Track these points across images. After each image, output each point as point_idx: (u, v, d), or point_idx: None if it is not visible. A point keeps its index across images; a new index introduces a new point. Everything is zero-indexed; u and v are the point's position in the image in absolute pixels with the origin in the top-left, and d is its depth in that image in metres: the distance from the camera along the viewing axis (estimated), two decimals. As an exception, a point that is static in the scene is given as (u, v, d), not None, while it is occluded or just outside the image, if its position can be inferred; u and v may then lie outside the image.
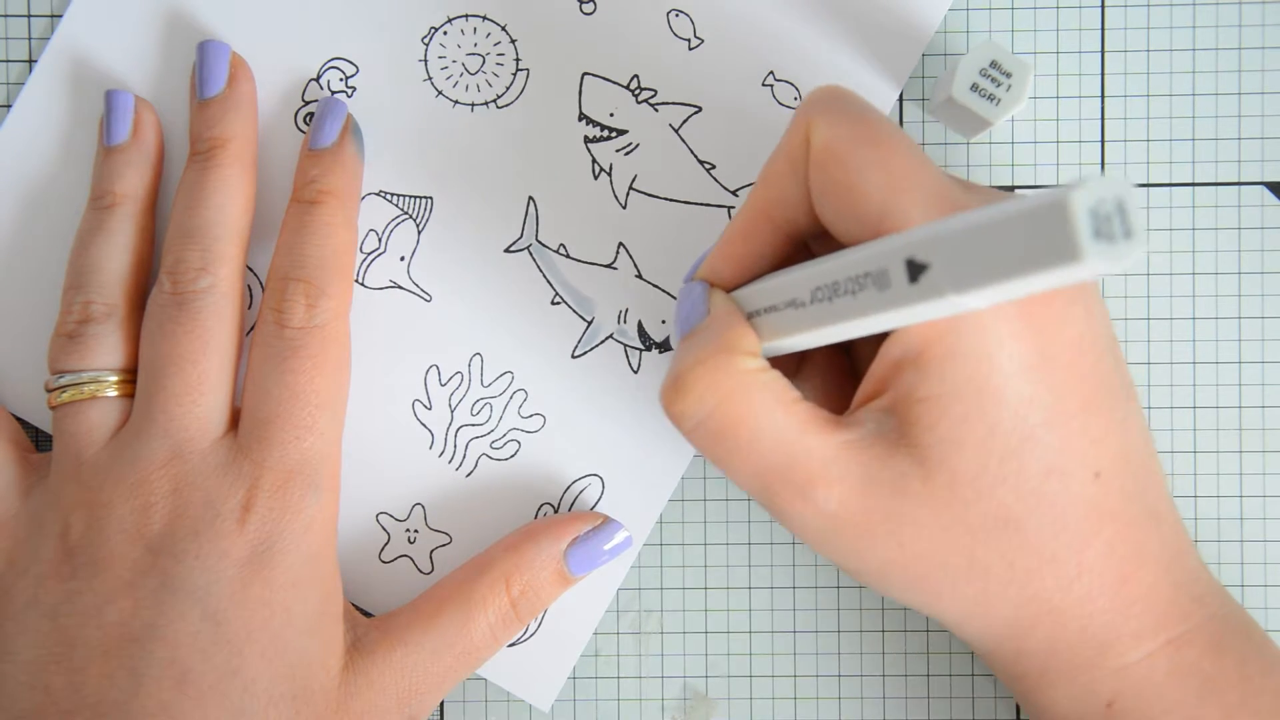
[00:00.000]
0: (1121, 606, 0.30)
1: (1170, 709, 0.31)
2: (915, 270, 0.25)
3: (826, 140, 0.29)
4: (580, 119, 0.38)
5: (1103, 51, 0.38)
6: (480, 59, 0.38)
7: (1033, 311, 0.28)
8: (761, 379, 0.30)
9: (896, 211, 0.28)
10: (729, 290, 0.32)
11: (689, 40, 0.38)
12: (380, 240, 0.38)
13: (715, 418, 0.29)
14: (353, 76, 0.38)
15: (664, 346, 0.38)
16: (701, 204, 0.38)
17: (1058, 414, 0.28)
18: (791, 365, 0.34)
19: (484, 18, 0.38)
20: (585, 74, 0.38)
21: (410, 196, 0.38)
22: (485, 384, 0.38)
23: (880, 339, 0.29)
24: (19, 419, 0.38)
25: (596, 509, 0.38)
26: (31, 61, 0.38)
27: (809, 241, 0.32)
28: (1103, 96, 0.38)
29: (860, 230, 0.28)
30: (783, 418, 0.29)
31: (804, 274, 0.29)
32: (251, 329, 0.37)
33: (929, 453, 0.28)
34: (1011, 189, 0.38)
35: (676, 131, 0.38)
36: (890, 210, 0.28)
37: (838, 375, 0.34)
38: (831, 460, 0.29)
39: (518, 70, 0.38)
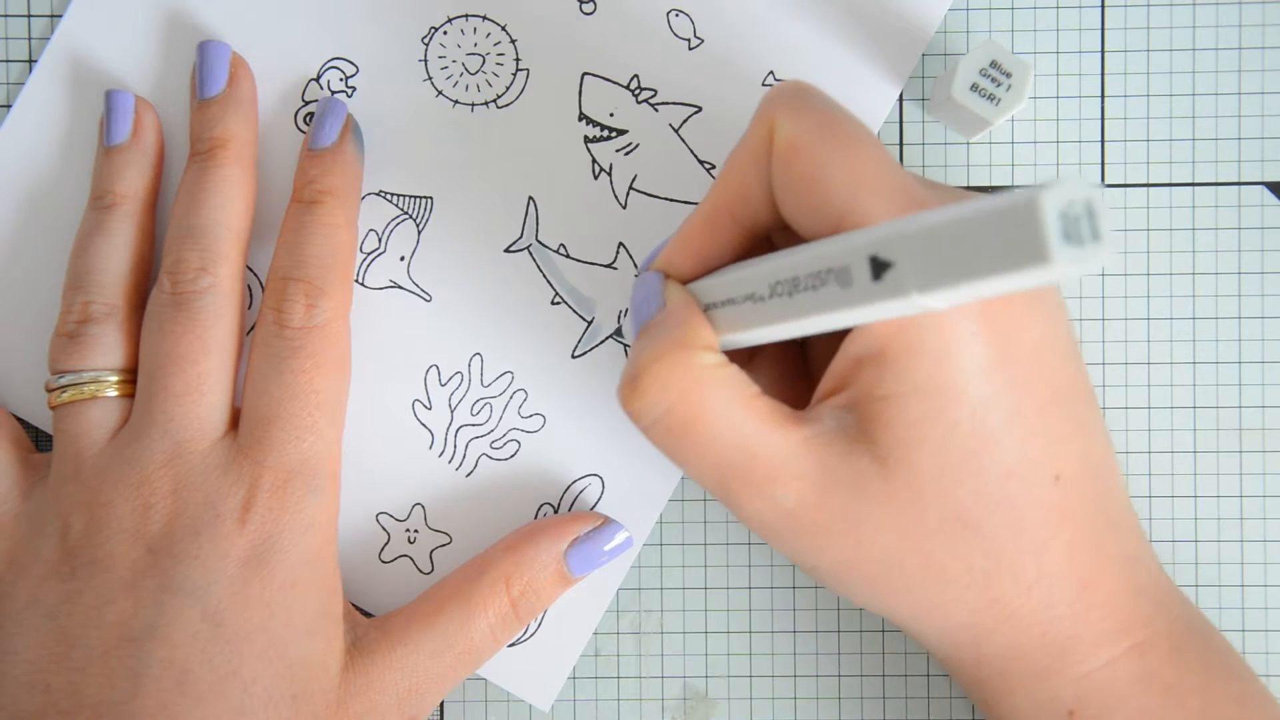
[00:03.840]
0: (1082, 611, 0.30)
1: (1133, 716, 0.30)
2: (879, 268, 0.25)
3: (790, 135, 0.29)
4: (580, 119, 0.38)
5: (1103, 51, 0.38)
6: (480, 59, 0.38)
7: (995, 312, 0.28)
8: (719, 375, 0.29)
9: (859, 208, 0.27)
10: (685, 282, 0.32)
11: (689, 40, 0.38)
12: (380, 240, 0.38)
13: (672, 415, 0.29)
14: (353, 76, 0.38)
15: (664, 346, 0.38)
16: (701, 204, 0.38)
17: (1018, 416, 0.28)
18: (743, 357, 0.33)
19: (484, 18, 0.38)
20: (585, 74, 0.38)
21: (410, 196, 0.38)
22: (485, 384, 0.38)
23: (839, 334, 0.29)
24: (19, 419, 0.38)
25: (596, 509, 0.38)
26: (31, 61, 0.38)
27: (772, 235, 0.32)
28: (1103, 96, 0.38)
29: (822, 226, 0.28)
30: (740, 414, 0.29)
31: (763, 268, 0.28)
32: (251, 329, 0.37)
33: (888, 451, 0.28)
34: (1007, 189, 0.38)
35: (676, 131, 0.38)
36: (853, 206, 0.27)
37: (790, 368, 0.34)
38: (790, 457, 0.29)
39: (518, 70, 0.38)
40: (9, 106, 0.38)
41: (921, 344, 0.27)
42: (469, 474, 0.38)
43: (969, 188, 0.38)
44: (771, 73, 0.38)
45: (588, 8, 0.38)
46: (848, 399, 0.29)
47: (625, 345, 0.38)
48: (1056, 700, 0.30)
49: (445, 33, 0.38)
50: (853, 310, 0.26)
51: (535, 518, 0.38)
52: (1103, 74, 0.38)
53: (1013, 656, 0.30)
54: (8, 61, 0.38)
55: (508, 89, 0.38)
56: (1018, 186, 0.38)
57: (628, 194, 0.38)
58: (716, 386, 0.29)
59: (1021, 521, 0.29)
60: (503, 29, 0.38)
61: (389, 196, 0.38)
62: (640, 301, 0.32)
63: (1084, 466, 0.30)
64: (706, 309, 0.31)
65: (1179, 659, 0.31)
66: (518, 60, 0.38)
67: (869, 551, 0.29)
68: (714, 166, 0.38)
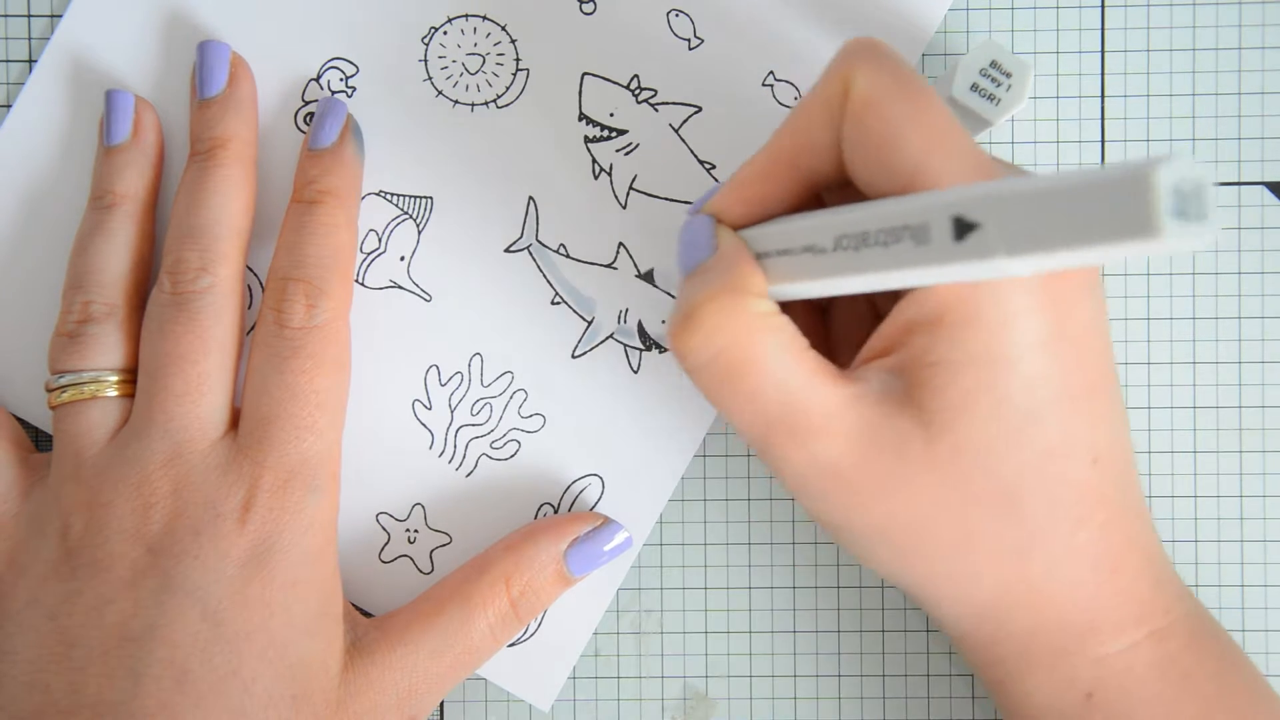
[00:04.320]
0: (1107, 595, 0.30)
1: (1150, 700, 0.30)
2: (963, 228, 0.25)
3: (867, 90, 0.28)
4: (580, 119, 0.38)
5: (1103, 51, 0.38)
6: (480, 59, 0.38)
7: (1053, 289, 0.28)
8: (772, 323, 0.29)
9: (931, 169, 0.27)
10: (735, 229, 0.31)
11: (689, 40, 0.38)
12: (380, 240, 0.38)
13: (723, 358, 0.29)
14: (353, 76, 0.38)
15: (664, 347, 0.38)
16: (701, 204, 0.38)
17: (1065, 394, 0.28)
18: None
19: (484, 18, 0.38)
20: (585, 74, 0.38)
21: (410, 196, 0.38)
22: (485, 384, 0.38)
23: (863, 300, 0.29)
24: (19, 419, 0.38)
25: (596, 509, 0.38)
26: (31, 61, 0.38)
27: (823, 194, 0.32)
28: (1103, 96, 0.38)
29: (890, 184, 0.28)
30: (791, 364, 0.29)
31: (828, 219, 0.28)
32: (251, 329, 0.37)
33: (935, 418, 0.28)
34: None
35: (676, 131, 0.38)
36: (925, 167, 0.27)
37: (813, 330, 0.34)
38: (835, 413, 0.29)
39: (518, 70, 0.38)
40: (9, 106, 0.38)
41: (980, 314, 0.27)
42: (469, 474, 0.38)
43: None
44: (771, 72, 0.38)
45: (588, 8, 0.38)
46: (896, 362, 0.29)
47: (625, 345, 0.38)
48: (1075, 681, 0.31)
49: (445, 33, 0.38)
50: (927, 269, 0.26)
51: (535, 518, 0.38)
52: (1103, 74, 0.38)
53: (1033, 635, 0.30)
54: (8, 61, 0.38)
55: (508, 89, 0.38)
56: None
57: (628, 194, 0.38)
58: (769, 334, 0.29)
59: (1058, 500, 0.29)
60: (503, 29, 0.38)
61: (389, 196, 0.38)
62: (689, 243, 0.31)
63: (1118, 451, 0.30)
64: (757, 257, 0.30)
65: (1196, 648, 0.31)
66: (518, 60, 0.38)
67: (903, 516, 0.29)
68: (714, 166, 0.38)
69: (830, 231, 0.28)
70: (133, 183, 0.36)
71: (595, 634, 0.38)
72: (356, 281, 0.38)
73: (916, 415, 0.28)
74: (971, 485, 0.29)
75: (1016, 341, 0.28)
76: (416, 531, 0.38)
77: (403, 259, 0.38)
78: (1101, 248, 0.23)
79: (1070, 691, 0.31)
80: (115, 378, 0.35)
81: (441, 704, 0.38)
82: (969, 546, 0.29)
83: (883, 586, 0.38)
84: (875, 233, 0.27)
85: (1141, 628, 0.30)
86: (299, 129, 0.38)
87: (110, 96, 0.37)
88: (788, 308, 0.34)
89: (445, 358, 0.38)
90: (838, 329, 0.34)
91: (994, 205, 0.24)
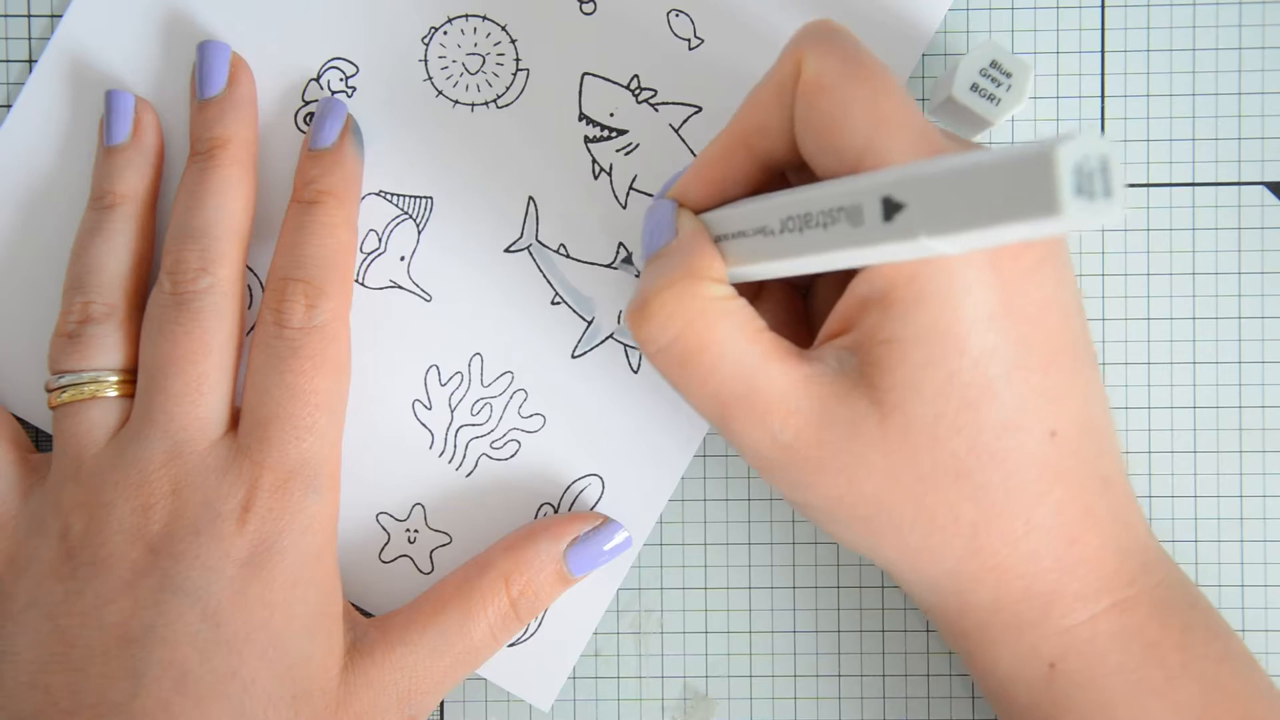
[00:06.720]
0: (1068, 567, 0.30)
1: (1112, 671, 0.31)
2: (891, 209, 0.25)
3: (816, 72, 0.29)
4: (580, 119, 0.38)
5: (1103, 51, 0.38)
6: (480, 59, 0.38)
7: (1003, 264, 0.28)
8: (727, 306, 0.30)
9: (878, 149, 0.28)
10: (698, 212, 0.32)
11: (689, 40, 0.38)
12: (380, 240, 0.38)
13: (679, 343, 0.30)
14: (353, 76, 0.38)
15: (664, 346, 0.38)
16: (701, 204, 0.38)
17: (1018, 369, 0.29)
18: (748, 296, 0.33)
19: (484, 18, 0.38)
20: (585, 74, 0.38)
21: (410, 196, 0.38)
22: (485, 384, 0.38)
23: (840, 279, 0.29)
24: (19, 419, 0.38)
25: (596, 509, 0.38)
26: (31, 61, 0.38)
27: (787, 173, 0.32)
28: (1103, 96, 0.38)
29: (839, 165, 0.28)
30: (746, 346, 0.29)
31: (776, 202, 0.29)
32: (251, 329, 0.37)
33: (886, 395, 0.29)
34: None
35: (676, 131, 0.38)
36: (872, 147, 0.28)
37: (791, 313, 0.34)
38: (790, 392, 0.29)
39: (518, 70, 0.38)
40: (9, 106, 0.38)
41: (928, 290, 0.28)
42: (469, 474, 0.38)
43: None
44: (771, 73, 0.38)
45: (588, 8, 0.38)
46: (851, 341, 0.29)
47: (625, 345, 0.38)
48: (1038, 652, 0.31)
49: (445, 33, 0.38)
50: (861, 250, 0.26)
51: (535, 518, 0.38)
52: (1103, 74, 0.38)
53: (996, 608, 0.31)
54: (8, 61, 0.38)
55: (508, 89, 0.38)
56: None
57: (628, 194, 0.38)
58: (723, 317, 0.29)
59: (1014, 475, 0.29)
60: (503, 29, 0.38)
61: (389, 196, 0.38)
62: (652, 229, 0.32)
63: (1080, 425, 0.30)
64: (717, 240, 0.31)
65: (1161, 618, 0.31)
66: (518, 60, 0.38)
67: (859, 492, 0.30)
68: (714, 166, 0.38)
69: (777, 214, 0.28)
70: (133, 183, 0.36)
71: (595, 634, 0.38)
72: (356, 281, 0.38)
73: (869, 393, 0.29)
74: (924, 462, 0.29)
75: (965, 317, 0.28)
76: (416, 531, 0.38)
77: (403, 259, 0.38)
78: (1011, 226, 0.23)
79: (1034, 662, 0.31)
80: (115, 378, 0.35)
81: (441, 704, 0.38)
82: (926, 522, 0.30)
83: (883, 586, 0.38)
84: (816, 214, 0.27)
85: (1103, 599, 0.31)
86: (299, 129, 0.38)
87: (110, 96, 0.37)
88: (770, 292, 0.34)
89: (445, 358, 0.38)
90: (817, 309, 0.35)
91: (916, 185, 0.25)
